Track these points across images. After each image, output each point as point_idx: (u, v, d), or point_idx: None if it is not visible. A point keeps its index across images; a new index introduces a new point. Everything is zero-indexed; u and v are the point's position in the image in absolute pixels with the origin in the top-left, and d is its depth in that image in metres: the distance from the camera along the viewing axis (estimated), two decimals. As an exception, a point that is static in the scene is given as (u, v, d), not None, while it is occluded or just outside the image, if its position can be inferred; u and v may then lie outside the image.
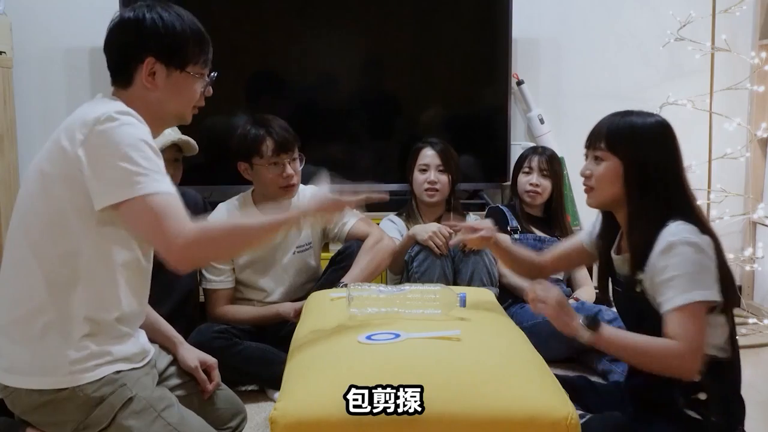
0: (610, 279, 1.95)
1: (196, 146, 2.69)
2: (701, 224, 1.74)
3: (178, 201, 1.53)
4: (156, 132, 1.66)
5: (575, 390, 1.98)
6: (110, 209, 1.51)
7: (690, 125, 3.63)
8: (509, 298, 2.90)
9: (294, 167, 2.63)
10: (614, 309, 2.90)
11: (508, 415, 1.40)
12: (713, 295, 1.67)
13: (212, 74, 1.72)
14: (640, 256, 1.76)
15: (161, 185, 1.51)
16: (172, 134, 2.58)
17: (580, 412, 1.81)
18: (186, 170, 2.75)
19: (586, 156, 1.88)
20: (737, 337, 1.83)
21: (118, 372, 1.60)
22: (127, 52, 1.63)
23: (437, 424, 1.39)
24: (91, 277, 1.56)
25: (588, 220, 3.61)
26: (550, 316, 1.73)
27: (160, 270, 1.66)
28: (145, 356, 1.72)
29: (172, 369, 1.89)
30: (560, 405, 1.42)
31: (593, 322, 1.69)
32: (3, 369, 1.59)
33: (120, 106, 1.56)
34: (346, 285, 2.60)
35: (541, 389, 1.46)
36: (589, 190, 1.87)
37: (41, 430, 1.62)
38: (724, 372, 1.77)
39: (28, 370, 1.56)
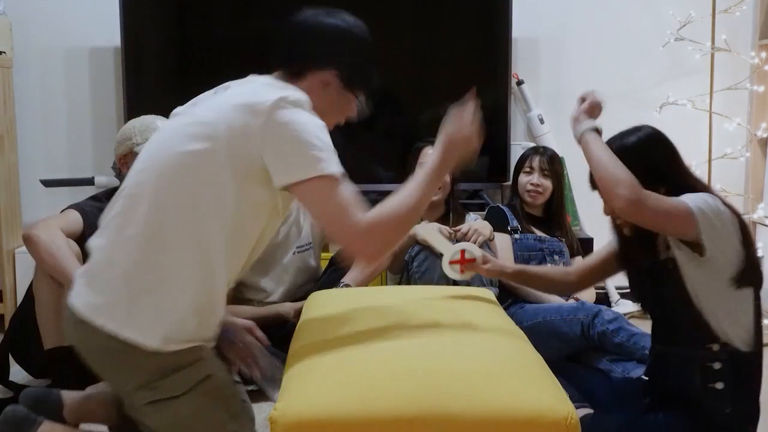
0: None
1: None
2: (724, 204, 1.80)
3: (352, 187, 1.58)
4: None
5: (587, 383, 2.01)
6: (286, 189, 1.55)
7: (690, 125, 3.63)
8: (509, 298, 2.90)
9: None
10: (614, 309, 2.91)
11: (508, 415, 1.40)
12: (702, 225, 1.71)
13: (362, 98, 1.78)
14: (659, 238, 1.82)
15: (338, 167, 1.56)
16: None
17: (587, 411, 1.83)
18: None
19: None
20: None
21: (199, 347, 1.60)
22: (314, 53, 1.67)
23: (437, 424, 1.39)
24: (232, 251, 1.60)
25: (588, 220, 3.62)
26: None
27: None
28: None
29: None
30: (560, 405, 1.42)
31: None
32: (95, 307, 1.56)
33: (301, 94, 1.59)
34: (347, 285, 2.61)
35: (541, 389, 1.46)
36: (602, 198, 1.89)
37: (60, 422, 1.62)
38: (744, 365, 1.80)
39: (124, 319, 1.53)
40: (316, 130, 1.55)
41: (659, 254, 1.84)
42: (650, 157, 1.85)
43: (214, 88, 1.72)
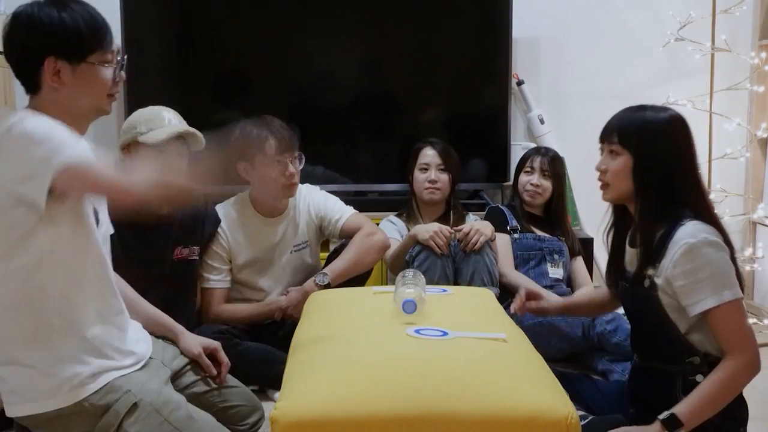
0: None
1: (203, 140, 2.45)
2: (713, 221, 1.76)
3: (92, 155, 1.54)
4: (80, 131, 1.64)
5: (577, 388, 1.99)
6: (50, 197, 1.48)
7: (690, 125, 3.63)
8: (509, 298, 2.90)
9: (295, 166, 2.63)
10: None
11: (508, 415, 1.40)
12: (739, 291, 1.70)
13: (121, 58, 1.68)
14: (650, 252, 1.77)
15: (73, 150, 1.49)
16: (177, 125, 2.40)
17: (582, 412, 1.82)
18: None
19: (601, 150, 1.88)
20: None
21: (122, 377, 1.60)
22: (26, 57, 1.60)
23: (437, 424, 1.39)
24: (55, 281, 1.55)
25: (588, 220, 3.62)
26: None
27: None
28: (143, 357, 1.71)
29: (188, 366, 1.89)
30: (560, 405, 1.42)
31: (673, 426, 1.66)
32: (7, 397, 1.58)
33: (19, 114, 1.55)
34: (325, 274, 2.61)
35: (541, 389, 1.46)
36: (604, 185, 1.87)
37: None
38: None
39: (30, 396, 1.55)
40: (31, 131, 1.49)
41: (643, 277, 1.80)
42: (673, 138, 1.81)
43: None
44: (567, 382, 1.60)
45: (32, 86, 1.62)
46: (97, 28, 1.62)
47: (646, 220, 1.79)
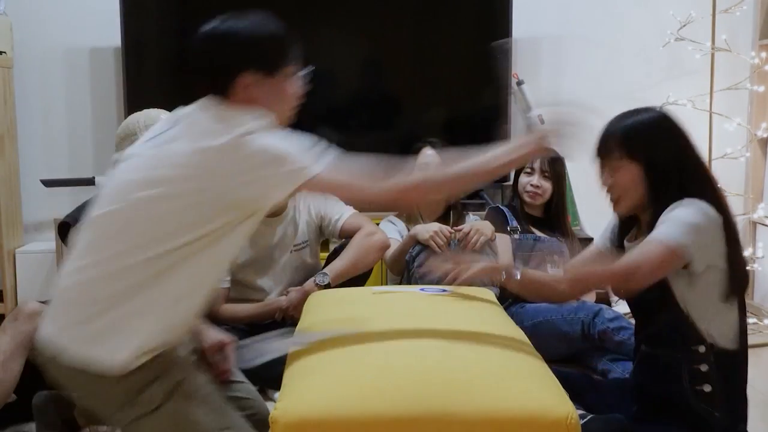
0: None
1: None
2: (719, 204, 1.76)
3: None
4: None
5: (576, 388, 1.99)
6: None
7: (690, 125, 3.60)
8: (509, 298, 2.90)
9: None
10: (614, 308, 2.91)
11: (508, 414, 1.40)
12: (690, 251, 1.68)
13: (306, 69, 1.72)
14: None
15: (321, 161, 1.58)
16: None
17: (581, 411, 1.82)
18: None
19: (600, 166, 1.87)
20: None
21: (165, 353, 1.61)
22: (219, 71, 1.62)
23: (437, 424, 1.39)
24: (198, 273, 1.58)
25: (589, 220, 3.62)
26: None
27: None
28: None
29: (193, 358, 1.89)
30: (560, 405, 1.42)
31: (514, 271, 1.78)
32: (59, 339, 1.56)
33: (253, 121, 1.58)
34: (325, 275, 2.61)
35: (541, 389, 1.47)
36: (616, 200, 1.86)
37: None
38: (730, 365, 1.78)
39: (89, 347, 1.54)
40: (279, 143, 1.54)
41: None
42: (673, 135, 1.82)
43: (165, 122, 1.68)
44: (566, 382, 1.60)
45: (221, 94, 1.63)
46: (287, 41, 1.68)
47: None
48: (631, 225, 1.91)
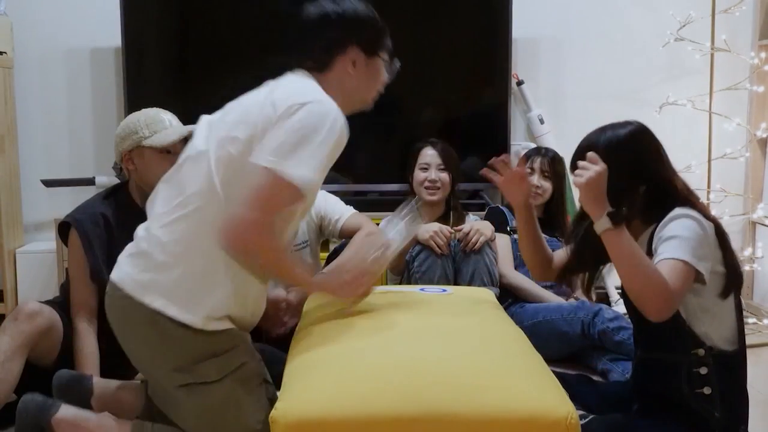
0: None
1: None
2: (704, 214, 1.76)
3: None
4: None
5: (576, 389, 1.99)
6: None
7: (690, 125, 3.63)
8: (509, 298, 2.90)
9: None
10: (614, 308, 2.91)
11: (508, 414, 1.40)
12: (701, 266, 1.68)
13: (395, 61, 1.85)
14: (649, 248, 1.77)
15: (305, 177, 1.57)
16: (180, 125, 2.38)
17: (581, 412, 1.83)
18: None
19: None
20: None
21: (237, 334, 1.68)
22: (330, 44, 1.72)
23: (437, 424, 1.39)
24: None
25: (588, 220, 3.62)
26: (587, 183, 1.67)
27: None
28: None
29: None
30: (560, 405, 1.42)
31: (618, 218, 1.66)
32: (142, 284, 1.63)
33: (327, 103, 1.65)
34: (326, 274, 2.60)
35: (541, 389, 1.47)
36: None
37: (88, 408, 1.70)
38: (730, 366, 1.78)
39: (170, 296, 1.61)
40: (324, 138, 1.58)
41: None
42: (638, 152, 1.81)
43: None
44: (566, 383, 1.60)
45: (322, 67, 1.74)
46: (385, 28, 1.81)
47: (636, 231, 1.79)
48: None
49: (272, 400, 1.75)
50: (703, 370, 1.74)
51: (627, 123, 1.86)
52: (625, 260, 1.66)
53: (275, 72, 1.78)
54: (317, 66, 1.74)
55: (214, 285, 1.62)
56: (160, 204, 1.70)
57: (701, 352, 1.75)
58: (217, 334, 1.63)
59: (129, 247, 1.73)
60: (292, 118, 1.57)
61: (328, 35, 1.73)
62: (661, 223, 1.75)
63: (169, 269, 1.62)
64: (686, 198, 1.80)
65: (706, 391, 1.75)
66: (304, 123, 1.57)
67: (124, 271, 1.67)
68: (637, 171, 1.80)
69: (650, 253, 1.76)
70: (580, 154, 1.84)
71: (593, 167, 1.68)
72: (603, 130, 1.86)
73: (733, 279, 1.77)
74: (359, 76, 1.76)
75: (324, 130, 1.58)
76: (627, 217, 1.76)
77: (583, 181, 1.68)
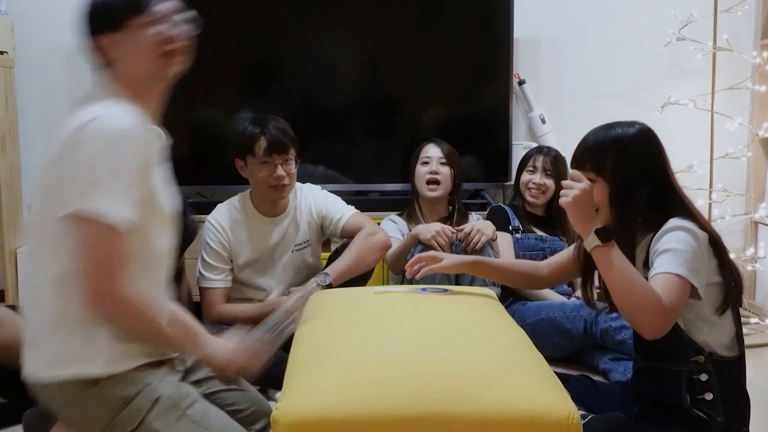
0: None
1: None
2: (699, 222, 1.75)
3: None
4: (151, 107, 1.74)
5: (577, 389, 1.99)
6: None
7: (691, 125, 3.63)
8: (510, 297, 2.90)
9: (286, 169, 2.62)
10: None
11: (509, 414, 1.40)
12: (695, 280, 1.66)
13: (176, 14, 1.66)
14: (645, 258, 1.77)
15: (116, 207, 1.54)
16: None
17: (582, 411, 1.82)
18: (187, 169, 2.74)
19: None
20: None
21: (145, 365, 1.61)
22: (85, 42, 1.65)
23: (437, 423, 1.39)
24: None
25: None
26: (574, 201, 1.68)
27: None
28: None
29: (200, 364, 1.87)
30: (561, 404, 1.42)
31: (607, 235, 1.66)
32: (36, 364, 1.59)
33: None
34: (326, 275, 2.61)
35: (542, 388, 1.46)
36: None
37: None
38: (730, 371, 1.77)
39: (62, 359, 1.56)
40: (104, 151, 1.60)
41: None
42: (643, 153, 1.80)
43: None
44: (567, 382, 1.59)
45: (102, 66, 1.68)
46: None
47: (627, 238, 1.77)
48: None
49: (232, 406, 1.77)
50: (704, 377, 1.73)
51: (633, 122, 1.85)
52: (617, 277, 1.65)
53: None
54: (101, 68, 1.67)
55: (96, 336, 1.56)
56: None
57: (701, 359, 1.75)
58: (122, 377, 1.57)
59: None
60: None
61: (81, 34, 1.66)
62: (656, 235, 1.74)
63: (51, 335, 1.57)
64: (683, 204, 1.79)
65: (708, 396, 1.74)
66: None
67: (27, 371, 1.62)
68: (645, 170, 1.78)
69: (647, 262, 1.76)
70: (584, 149, 1.83)
71: (577, 185, 1.69)
72: (610, 127, 1.83)
73: (731, 292, 1.75)
74: (123, 57, 1.63)
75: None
76: (630, 222, 1.76)
77: (569, 200, 1.69)
